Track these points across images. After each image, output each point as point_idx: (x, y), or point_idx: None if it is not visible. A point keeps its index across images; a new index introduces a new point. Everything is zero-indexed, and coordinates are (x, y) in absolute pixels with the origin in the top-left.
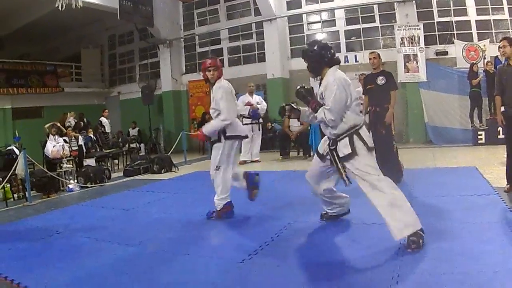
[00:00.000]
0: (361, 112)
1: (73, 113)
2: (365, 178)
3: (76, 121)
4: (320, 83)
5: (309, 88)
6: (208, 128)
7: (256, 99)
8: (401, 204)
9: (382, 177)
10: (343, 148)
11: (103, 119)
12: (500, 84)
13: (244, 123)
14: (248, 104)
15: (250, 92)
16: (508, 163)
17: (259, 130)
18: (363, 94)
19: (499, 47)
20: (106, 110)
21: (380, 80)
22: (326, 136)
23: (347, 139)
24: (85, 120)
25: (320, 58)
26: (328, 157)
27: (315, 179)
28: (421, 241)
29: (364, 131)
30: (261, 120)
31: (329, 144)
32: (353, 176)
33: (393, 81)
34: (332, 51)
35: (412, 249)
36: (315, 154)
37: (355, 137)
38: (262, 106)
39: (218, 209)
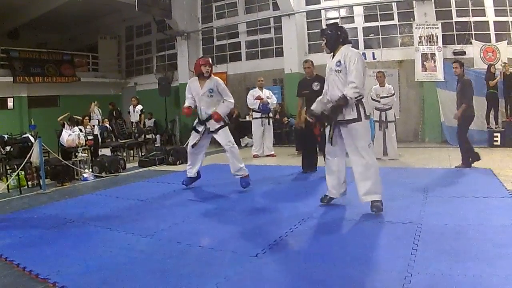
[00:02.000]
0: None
1: (96, 102)
2: (358, 140)
3: (100, 111)
4: (332, 57)
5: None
6: (224, 110)
7: (266, 93)
8: (376, 172)
9: (368, 146)
10: (347, 113)
11: (131, 108)
12: None
13: (254, 117)
14: (258, 98)
15: (260, 86)
16: None
17: (269, 124)
18: (297, 96)
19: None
20: (133, 99)
21: (315, 86)
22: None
23: (353, 106)
24: (118, 109)
25: (337, 36)
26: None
27: (329, 150)
28: (382, 208)
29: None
30: (271, 114)
31: (327, 115)
32: (348, 136)
33: None
34: (346, 33)
35: (376, 211)
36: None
37: (360, 105)
38: (272, 100)
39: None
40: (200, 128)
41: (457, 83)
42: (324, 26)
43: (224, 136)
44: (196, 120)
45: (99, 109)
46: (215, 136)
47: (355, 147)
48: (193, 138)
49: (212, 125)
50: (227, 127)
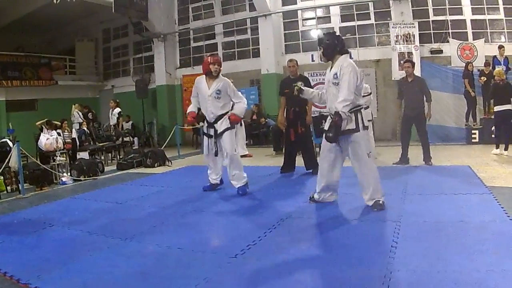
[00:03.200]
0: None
1: (77, 105)
2: (357, 151)
3: (80, 114)
4: (331, 68)
5: (327, 131)
6: (240, 111)
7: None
8: (375, 178)
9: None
10: (347, 125)
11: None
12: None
13: None
14: None
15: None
16: None
17: (241, 125)
18: (280, 95)
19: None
20: (111, 102)
21: (299, 85)
22: (329, 118)
23: (352, 115)
24: (93, 112)
25: (334, 46)
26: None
27: (330, 164)
28: (383, 206)
29: (364, 112)
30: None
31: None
32: (347, 147)
33: (310, 85)
34: (343, 42)
35: (378, 209)
36: (324, 138)
37: (358, 115)
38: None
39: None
40: (211, 132)
41: (404, 83)
42: (301, 27)
43: (230, 142)
44: (205, 124)
45: (79, 112)
46: (220, 140)
47: (355, 156)
48: (206, 143)
49: (220, 126)
50: (233, 131)
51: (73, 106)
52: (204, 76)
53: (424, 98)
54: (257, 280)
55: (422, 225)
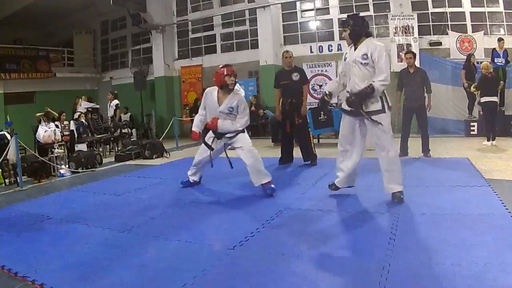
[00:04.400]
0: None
1: (85, 97)
2: (385, 134)
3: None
4: (355, 49)
5: (353, 94)
6: (228, 128)
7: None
8: (398, 164)
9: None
10: (372, 104)
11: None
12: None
13: None
14: None
15: None
16: None
17: None
18: (275, 87)
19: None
20: (109, 94)
21: (295, 76)
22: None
23: (378, 98)
24: (94, 103)
25: (362, 28)
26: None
27: (349, 140)
28: (403, 199)
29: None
30: None
31: (351, 104)
32: (372, 128)
33: (306, 76)
34: (368, 25)
35: (397, 202)
36: (343, 116)
37: (383, 97)
38: (241, 93)
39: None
40: (215, 144)
41: (405, 74)
42: (300, 19)
43: (245, 141)
44: (211, 134)
45: (86, 102)
46: (236, 145)
47: (379, 140)
48: (203, 150)
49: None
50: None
51: (80, 98)
52: (216, 88)
53: (425, 90)
54: (255, 272)
55: (421, 217)
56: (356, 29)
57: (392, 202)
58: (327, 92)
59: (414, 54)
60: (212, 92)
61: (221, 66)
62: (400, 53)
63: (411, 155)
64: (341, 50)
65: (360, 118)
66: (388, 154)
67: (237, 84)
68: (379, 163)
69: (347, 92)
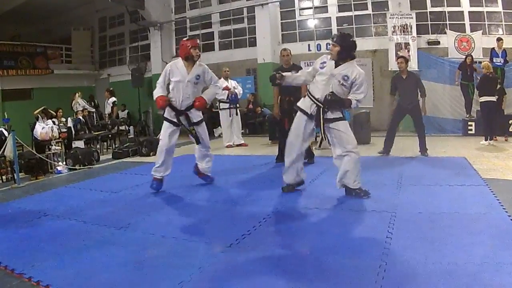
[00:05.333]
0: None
1: (80, 93)
2: (342, 136)
3: (85, 102)
4: (336, 66)
5: (335, 95)
6: (210, 97)
7: (232, 83)
8: (358, 163)
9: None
10: (335, 114)
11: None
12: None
13: (221, 107)
14: (226, 88)
15: (226, 77)
16: None
17: (237, 114)
18: (272, 85)
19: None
20: (106, 92)
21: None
22: (309, 102)
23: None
24: (96, 101)
25: (352, 50)
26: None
27: (302, 137)
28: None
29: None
30: (238, 105)
31: (321, 109)
32: (331, 132)
33: None
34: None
35: (361, 197)
36: (300, 114)
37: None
38: (238, 90)
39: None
40: (182, 120)
41: (398, 79)
42: (298, 17)
43: (206, 134)
44: (170, 111)
45: (83, 100)
46: (197, 128)
47: (340, 142)
48: (169, 132)
49: (194, 115)
50: (204, 124)
51: (76, 94)
52: (180, 60)
53: (419, 93)
54: (251, 270)
55: (417, 216)
56: (346, 50)
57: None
58: (283, 74)
59: (406, 59)
60: (177, 64)
61: (185, 39)
62: (398, 52)
63: (408, 154)
64: None
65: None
66: (352, 152)
67: (235, 82)
68: (375, 162)
69: (312, 98)
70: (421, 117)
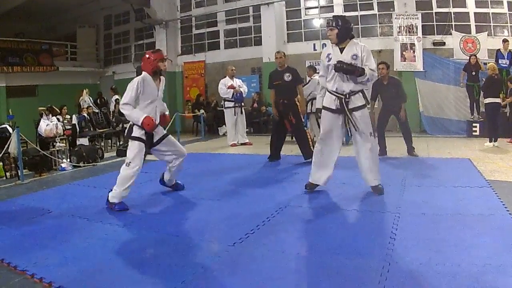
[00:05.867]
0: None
1: (88, 90)
2: (366, 127)
3: (91, 100)
4: (341, 50)
5: (345, 62)
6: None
7: (237, 82)
8: (378, 157)
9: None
10: (356, 100)
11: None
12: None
13: (226, 106)
14: (231, 87)
15: (231, 75)
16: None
17: (242, 113)
18: (269, 88)
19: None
20: (111, 90)
21: (287, 77)
22: (330, 96)
23: (360, 94)
24: (104, 98)
25: (349, 29)
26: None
27: (335, 135)
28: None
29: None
30: (243, 104)
31: (343, 99)
32: (358, 124)
33: (299, 77)
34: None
35: (378, 194)
36: (325, 113)
37: (364, 94)
38: (243, 89)
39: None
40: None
41: (380, 85)
42: (303, 16)
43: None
44: (140, 130)
45: (90, 97)
46: (162, 145)
47: (363, 133)
48: (141, 154)
49: (160, 132)
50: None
51: (84, 91)
52: (146, 75)
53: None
54: (254, 269)
55: (421, 217)
56: (344, 30)
57: (374, 193)
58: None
59: (387, 65)
60: (148, 80)
61: (151, 51)
62: (404, 53)
63: (417, 154)
64: None
65: (342, 117)
66: (371, 145)
67: (240, 80)
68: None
69: (332, 93)
70: (406, 118)
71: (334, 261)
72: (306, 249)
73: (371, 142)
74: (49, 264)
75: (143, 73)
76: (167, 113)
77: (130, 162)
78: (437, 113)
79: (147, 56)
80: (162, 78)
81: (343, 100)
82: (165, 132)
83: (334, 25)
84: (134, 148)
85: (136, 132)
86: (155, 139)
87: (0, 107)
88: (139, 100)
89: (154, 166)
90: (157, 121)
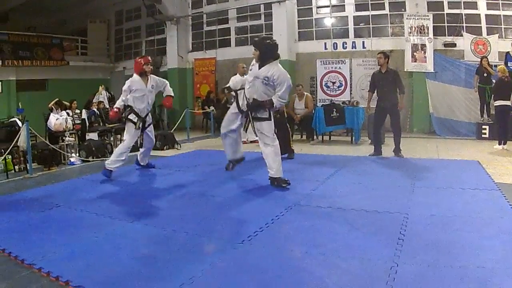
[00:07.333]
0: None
1: (104, 86)
2: (266, 134)
3: (108, 95)
4: (259, 67)
5: (254, 101)
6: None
7: None
8: (279, 154)
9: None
10: (262, 114)
11: None
12: None
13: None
14: None
15: (242, 73)
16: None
17: None
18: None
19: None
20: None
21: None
22: (244, 101)
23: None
24: (111, 93)
25: (270, 53)
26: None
27: (227, 123)
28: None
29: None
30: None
31: (250, 108)
32: (257, 131)
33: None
34: (277, 48)
35: (282, 186)
36: (236, 109)
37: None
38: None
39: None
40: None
41: (377, 75)
42: (315, 15)
43: (152, 133)
44: (133, 116)
45: (107, 92)
46: (148, 131)
47: (262, 136)
48: (133, 132)
49: (149, 120)
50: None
51: (100, 86)
52: (135, 76)
53: (398, 90)
54: (263, 267)
55: (430, 219)
56: (266, 53)
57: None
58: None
59: (385, 55)
60: (136, 80)
61: (138, 57)
62: (415, 53)
63: (421, 155)
64: (355, 47)
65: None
66: (272, 145)
67: None
68: (388, 163)
69: (247, 99)
70: (399, 117)
71: (342, 260)
72: (314, 248)
73: (268, 144)
74: (57, 258)
75: (134, 75)
76: (171, 94)
77: (125, 139)
78: (447, 114)
79: (137, 59)
80: (152, 76)
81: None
82: (151, 120)
83: (256, 46)
84: (129, 128)
85: (132, 117)
86: (148, 123)
87: (10, 101)
88: (133, 93)
89: (162, 162)
90: (150, 108)
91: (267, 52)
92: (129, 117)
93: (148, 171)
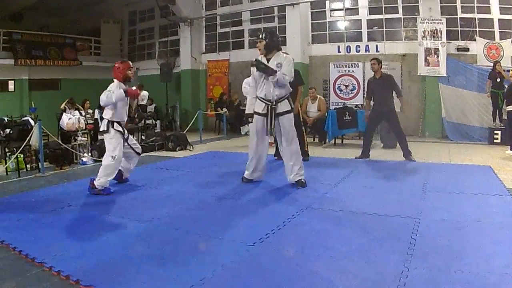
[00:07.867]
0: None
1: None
2: (290, 130)
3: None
4: (268, 60)
5: (261, 61)
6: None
7: None
8: (300, 157)
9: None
10: (283, 106)
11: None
12: None
13: None
14: None
15: None
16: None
17: None
18: None
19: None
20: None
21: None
22: (260, 104)
23: (286, 101)
24: None
25: (276, 42)
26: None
27: (260, 135)
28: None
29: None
30: None
31: (270, 105)
32: (282, 127)
33: (300, 77)
34: (279, 40)
35: (302, 187)
36: (255, 116)
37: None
38: None
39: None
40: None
41: (373, 81)
42: (328, 18)
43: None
44: (117, 125)
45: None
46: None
47: (286, 133)
48: (121, 146)
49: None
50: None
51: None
52: (120, 83)
53: (395, 94)
54: (274, 269)
55: (441, 223)
56: (271, 43)
57: (297, 188)
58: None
59: (379, 61)
60: (121, 87)
61: (119, 62)
62: (428, 57)
63: (433, 160)
64: (369, 51)
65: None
66: (296, 144)
67: None
68: (400, 167)
69: (261, 99)
70: (398, 122)
71: (352, 264)
72: (325, 251)
73: (292, 143)
74: (67, 257)
75: (115, 81)
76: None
77: (115, 156)
78: (460, 119)
79: (116, 66)
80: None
81: (269, 107)
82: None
83: (262, 37)
84: (115, 141)
85: (117, 126)
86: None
87: (23, 100)
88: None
89: (174, 163)
90: (125, 118)
91: (274, 41)
92: (115, 127)
93: (159, 172)
